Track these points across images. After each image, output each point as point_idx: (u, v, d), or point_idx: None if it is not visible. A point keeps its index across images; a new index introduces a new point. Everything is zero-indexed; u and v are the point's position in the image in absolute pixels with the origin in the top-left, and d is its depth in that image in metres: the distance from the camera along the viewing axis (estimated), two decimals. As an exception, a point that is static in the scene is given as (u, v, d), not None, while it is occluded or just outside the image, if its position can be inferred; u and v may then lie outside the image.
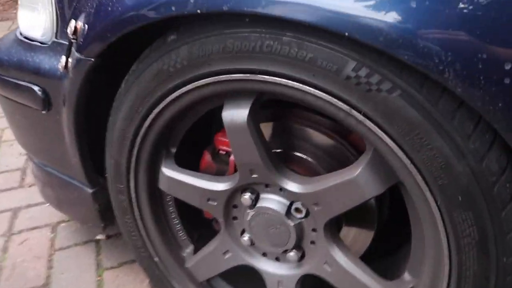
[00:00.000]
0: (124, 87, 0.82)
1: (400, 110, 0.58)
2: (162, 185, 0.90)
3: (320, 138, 0.84)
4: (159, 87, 0.76)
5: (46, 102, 0.97)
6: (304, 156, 0.85)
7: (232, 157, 0.89)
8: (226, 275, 1.02)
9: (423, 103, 0.56)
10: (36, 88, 0.97)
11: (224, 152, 0.90)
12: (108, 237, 1.46)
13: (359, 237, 0.85)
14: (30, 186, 1.74)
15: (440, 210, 0.61)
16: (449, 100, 0.56)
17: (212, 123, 0.95)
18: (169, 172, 0.87)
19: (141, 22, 0.71)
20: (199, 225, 1.05)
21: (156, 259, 1.00)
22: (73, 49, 0.86)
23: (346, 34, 0.55)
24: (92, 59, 0.81)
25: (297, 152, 0.85)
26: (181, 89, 0.74)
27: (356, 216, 0.85)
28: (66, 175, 1.15)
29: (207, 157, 0.92)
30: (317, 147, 0.84)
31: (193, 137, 0.93)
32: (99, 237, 1.46)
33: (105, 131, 0.92)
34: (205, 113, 0.85)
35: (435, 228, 0.64)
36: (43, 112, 0.99)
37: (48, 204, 1.66)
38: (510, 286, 0.64)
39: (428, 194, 0.61)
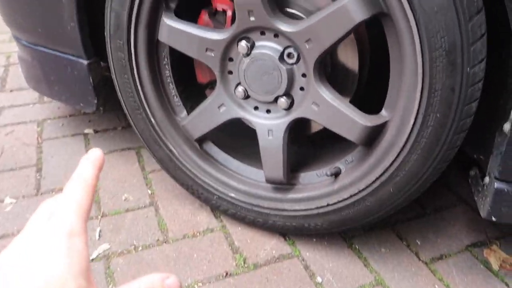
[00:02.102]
0: None
1: None
2: (162, 37, 0.95)
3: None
4: None
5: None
6: (296, 12, 0.92)
7: (229, 13, 0.96)
8: (218, 142, 1.10)
9: None
10: None
11: (221, 10, 0.96)
12: (96, 131, 1.50)
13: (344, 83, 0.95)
14: (11, 91, 1.73)
15: (417, 25, 0.71)
16: None
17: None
18: (170, 21, 0.93)
19: None
20: (193, 94, 1.12)
21: (153, 120, 1.06)
22: None
23: None
24: None
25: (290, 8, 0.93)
26: None
27: (340, 68, 0.95)
28: (59, 51, 1.17)
29: (204, 16, 0.98)
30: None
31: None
32: (86, 131, 1.50)
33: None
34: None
35: (413, 47, 0.74)
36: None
37: (32, 105, 1.67)
38: (471, 96, 0.76)
39: (408, 10, 0.71)
